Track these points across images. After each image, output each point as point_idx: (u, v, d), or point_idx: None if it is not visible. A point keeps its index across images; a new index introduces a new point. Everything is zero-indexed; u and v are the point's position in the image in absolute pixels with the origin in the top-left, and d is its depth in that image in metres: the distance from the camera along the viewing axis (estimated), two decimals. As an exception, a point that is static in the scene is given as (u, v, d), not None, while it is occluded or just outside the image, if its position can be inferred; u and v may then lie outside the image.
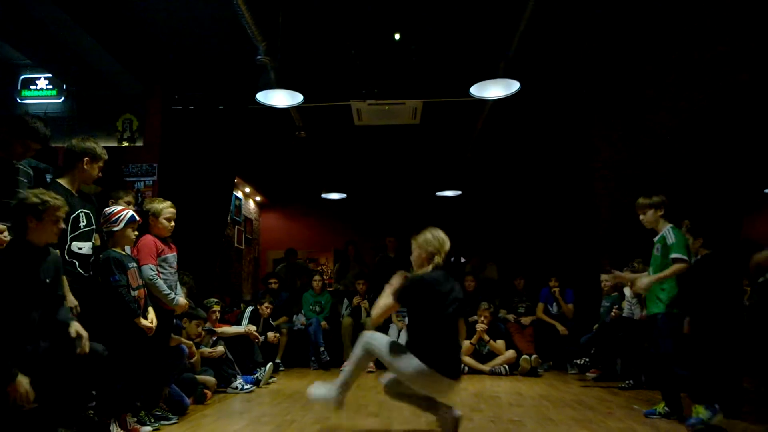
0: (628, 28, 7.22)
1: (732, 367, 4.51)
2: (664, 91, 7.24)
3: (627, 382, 6.02)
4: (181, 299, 4.46)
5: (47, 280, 3.25)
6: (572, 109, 8.13)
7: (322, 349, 7.86)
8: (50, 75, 7.93)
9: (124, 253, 4.01)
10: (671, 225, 4.52)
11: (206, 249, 7.82)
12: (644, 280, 4.54)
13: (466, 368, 7.28)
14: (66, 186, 3.82)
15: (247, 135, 8.43)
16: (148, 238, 4.30)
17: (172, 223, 4.43)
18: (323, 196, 10.40)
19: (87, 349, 3.22)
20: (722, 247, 4.83)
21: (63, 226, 3.39)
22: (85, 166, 3.86)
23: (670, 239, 4.41)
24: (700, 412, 3.96)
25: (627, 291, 6.43)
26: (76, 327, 3.25)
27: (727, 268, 4.76)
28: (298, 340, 8.16)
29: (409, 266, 3.94)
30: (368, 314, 8.20)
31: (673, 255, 4.32)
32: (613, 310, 6.52)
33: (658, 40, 7.15)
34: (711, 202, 6.60)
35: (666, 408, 4.41)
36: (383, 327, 8.14)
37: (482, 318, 7.39)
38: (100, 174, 3.96)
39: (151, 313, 4.07)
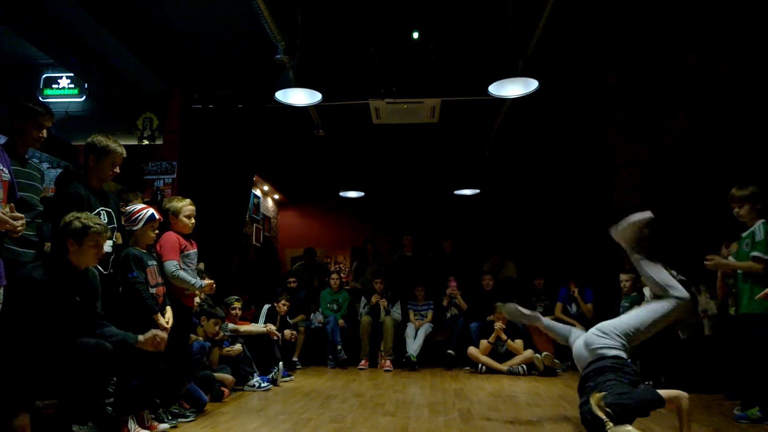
0: (646, 24, 7.17)
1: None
2: (684, 88, 7.15)
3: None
4: (206, 280, 4.48)
5: (78, 299, 3.32)
6: (591, 107, 8.06)
7: (339, 347, 7.87)
8: (72, 74, 8.02)
9: (144, 251, 4.04)
10: (764, 220, 4.23)
11: (225, 247, 7.85)
12: (719, 259, 4.46)
13: (484, 368, 7.26)
14: (84, 184, 3.84)
15: (266, 133, 8.44)
16: (171, 235, 4.37)
17: (193, 220, 4.50)
18: (341, 194, 10.41)
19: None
20: None
21: (104, 251, 3.50)
22: (92, 164, 3.89)
23: (759, 236, 4.15)
24: (753, 413, 3.96)
25: (646, 291, 6.35)
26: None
27: None
28: (316, 339, 8.18)
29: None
30: (387, 312, 8.19)
31: (753, 253, 4.11)
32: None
33: (676, 36, 7.08)
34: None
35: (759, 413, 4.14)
36: (402, 325, 8.14)
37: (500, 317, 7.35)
38: (116, 171, 3.96)
39: (169, 312, 4.10)
